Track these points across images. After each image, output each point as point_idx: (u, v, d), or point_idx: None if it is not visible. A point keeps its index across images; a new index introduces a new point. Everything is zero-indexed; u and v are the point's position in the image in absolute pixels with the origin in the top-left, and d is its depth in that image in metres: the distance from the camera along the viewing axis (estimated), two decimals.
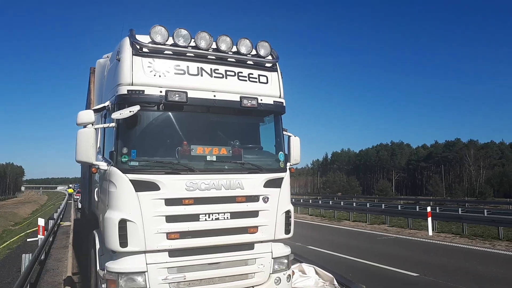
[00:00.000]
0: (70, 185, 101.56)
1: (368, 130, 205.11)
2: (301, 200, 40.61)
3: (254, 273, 5.88)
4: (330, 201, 39.24)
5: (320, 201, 41.02)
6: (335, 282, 8.11)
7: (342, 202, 34.40)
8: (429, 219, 18.84)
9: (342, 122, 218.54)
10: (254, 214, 5.86)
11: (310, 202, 38.26)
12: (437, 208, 25.78)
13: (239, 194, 5.73)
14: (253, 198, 5.85)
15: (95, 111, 5.93)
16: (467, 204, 42.72)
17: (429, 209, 19.49)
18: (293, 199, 40.35)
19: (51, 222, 17.89)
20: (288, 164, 6.53)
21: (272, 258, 6.04)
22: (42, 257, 12.08)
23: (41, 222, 13.13)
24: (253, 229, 5.84)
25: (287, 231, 6.15)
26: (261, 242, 5.95)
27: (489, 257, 12.89)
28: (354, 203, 33.03)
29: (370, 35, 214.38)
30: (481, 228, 19.55)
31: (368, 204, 30.16)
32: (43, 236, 12.56)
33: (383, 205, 28.42)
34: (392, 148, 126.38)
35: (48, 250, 14.06)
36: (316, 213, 31.02)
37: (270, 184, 5.98)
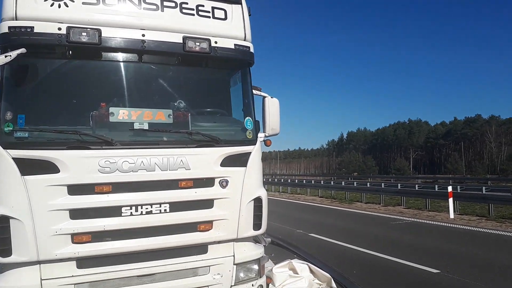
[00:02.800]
0: None
1: (385, 109, 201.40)
2: (312, 181, 38.81)
3: (207, 286, 4.24)
4: (343, 182, 37.49)
5: (332, 182, 39.38)
6: (333, 284, 6.55)
7: (355, 183, 32.48)
8: (450, 200, 16.83)
9: (358, 101, 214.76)
10: (206, 204, 4.22)
11: (322, 183, 36.53)
12: (458, 187, 23.75)
13: (183, 176, 4.09)
14: (205, 182, 4.20)
15: None
16: (489, 182, 40.37)
17: (450, 188, 17.46)
18: (304, 181, 39.17)
19: None
20: (262, 134, 4.83)
21: (234, 264, 4.38)
22: None
23: None
24: (205, 225, 4.19)
25: (256, 225, 4.47)
26: (218, 242, 4.30)
27: None
28: (368, 184, 31.08)
29: (387, 10, 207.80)
30: (508, 209, 17.52)
31: (382, 184, 28.19)
32: None
33: (399, 185, 26.49)
34: (410, 126, 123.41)
35: None
36: (327, 194, 29.20)
37: (230, 161, 4.31)
